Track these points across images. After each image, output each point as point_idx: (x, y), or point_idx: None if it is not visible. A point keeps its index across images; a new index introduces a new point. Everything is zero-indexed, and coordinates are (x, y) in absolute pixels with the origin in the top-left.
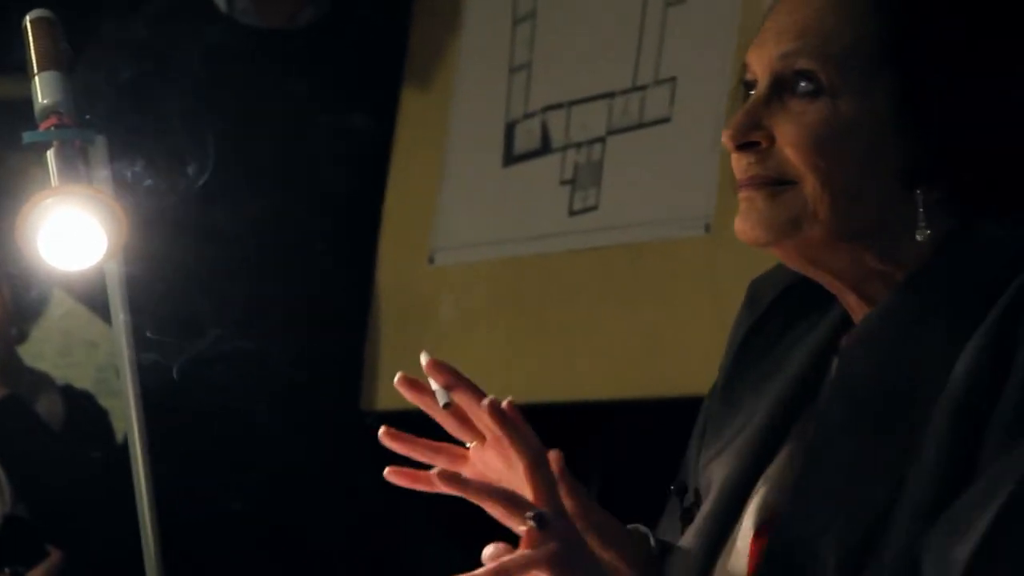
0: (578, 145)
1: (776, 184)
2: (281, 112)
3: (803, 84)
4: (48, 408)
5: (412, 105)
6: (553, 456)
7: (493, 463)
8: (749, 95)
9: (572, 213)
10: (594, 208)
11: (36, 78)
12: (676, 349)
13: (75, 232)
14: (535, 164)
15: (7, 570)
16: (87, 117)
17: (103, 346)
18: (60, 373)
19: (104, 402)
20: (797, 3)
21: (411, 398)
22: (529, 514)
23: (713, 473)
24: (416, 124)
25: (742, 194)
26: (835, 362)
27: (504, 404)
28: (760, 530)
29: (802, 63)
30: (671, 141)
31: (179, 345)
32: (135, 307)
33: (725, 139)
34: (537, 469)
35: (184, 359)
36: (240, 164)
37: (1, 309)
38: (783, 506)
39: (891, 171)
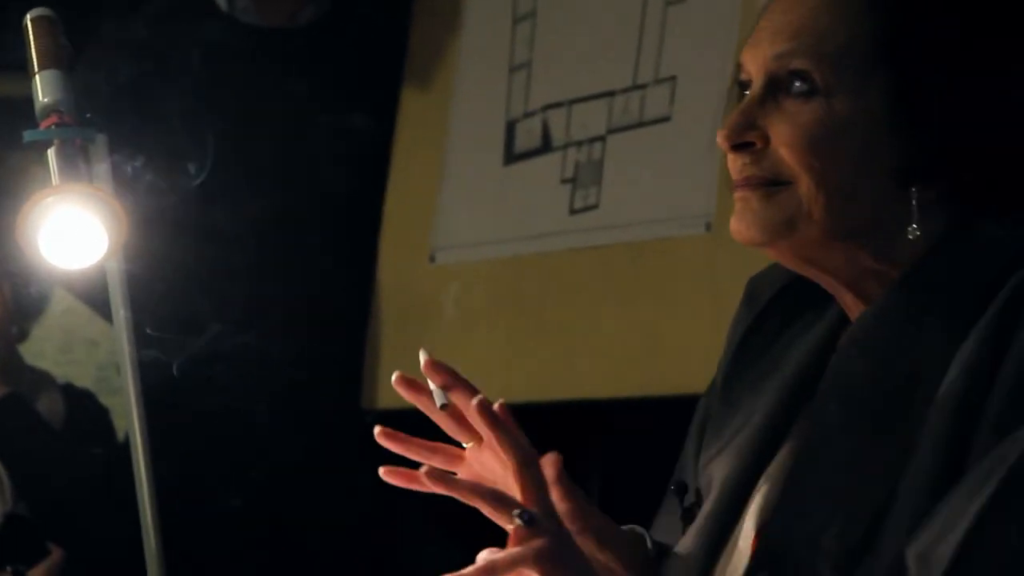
0: (578, 144)
1: (771, 184)
2: (281, 111)
3: (798, 84)
4: (49, 406)
5: (412, 104)
6: (551, 459)
7: (489, 463)
8: (744, 95)
9: (573, 212)
10: (594, 207)
11: (37, 77)
12: (676, 348)
13: (76, 231)
14: (535, 163)
15: (8, 569)
16: (88, 116)
17: (104, 344)
18: (61, 371)
19: (105, 400)
20: (791, 3)
21: (408, 397)
22: (516, 512)
23: (713, 472)
24: (416, 123)
25: (737, 194)
26: (831, 362)
27: (495, 406)
28: (761, 530)
29: (797, 63)
30: (671, 140)
31: (180, 344)
32: (136, 305)
33: (720, 139)
34: (525, 470)
35: (185, 358)
36: (241, 163)
37: (2, 307)
38: (778, 505)
39: (886, 170)
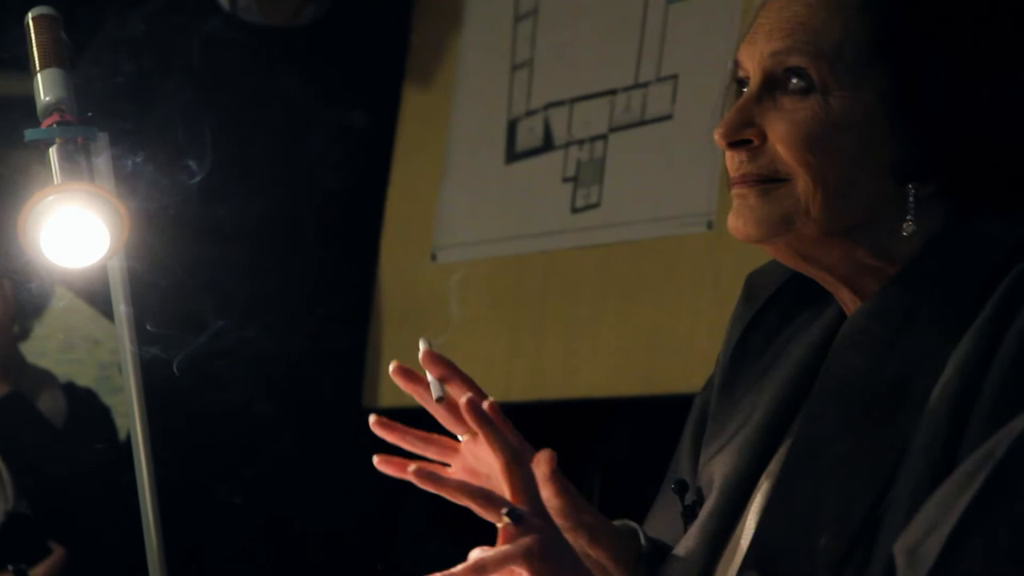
0: (580, 142)
1: (768, 181)
2: (283, 109)
3: (794, 81)
4: (50, 405)
5: (414, 102)
6: (545, 455)
7: (484, 457)
8: (742, 92)
9: (574, 210)
10: (596, 205)
11: (38, 75)
12: (678, 347)
13: (77, 229)
14: (537, 161)
15: (10, 567)
16: (89, 114)
17: (105, 343)
18: (62, 370)
19: (106, 399)
20: (788, 0)
21: (405, 388)
22: (505, 511)
23: (714, 471)
24: (418, 121)
25: (735, 191)
26: (827, 358)
27: (485, 405)
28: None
29: (793, 60)
30: (673, 138)
31: (182, 342)
32: (137, 304)
33: (717, 137)
34: (514, 468)
35: (187, 356)
36: (242, 161)
37: (3, 306)
38: (773, 503)
39: (883, 167)
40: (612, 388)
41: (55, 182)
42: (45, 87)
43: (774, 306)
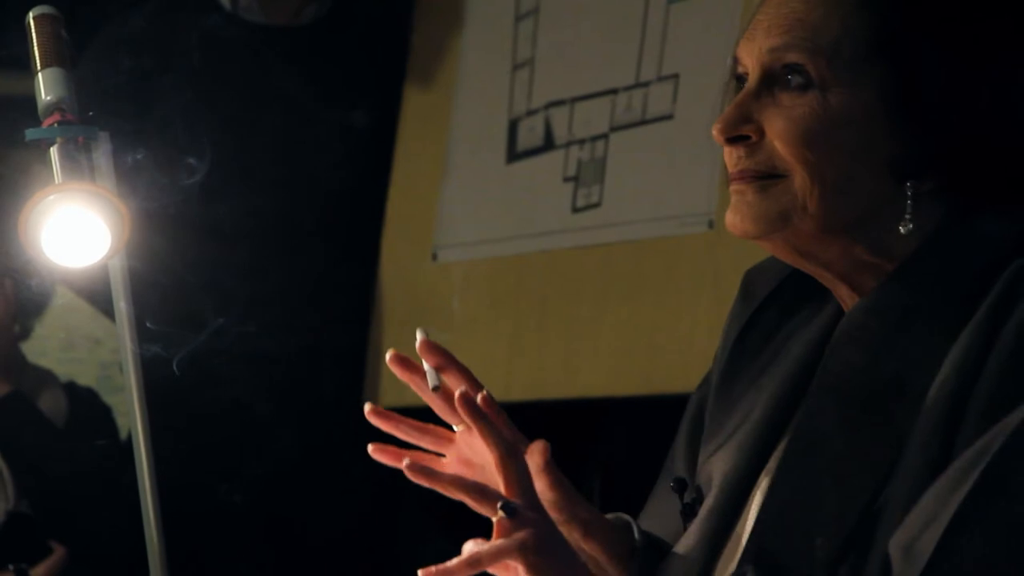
0: (581, 142)
1: (766, 177)
2: (284, 109)
3: (793, 78)
4: (51, 404)
5: (415, 102)
6: (539, 447)
7: (478, 448)
8: (742, 88)
9: (575, 210)
10: (597, 205)
11: (39, 74)
12: (678, 346)
13: (78, 228)
14: (538, 161)
15: (11, 567)
16: (90, 113)
17: (106, 343)
18: (63, 370)
19: (107, 398)
20: None
21: (401, 376)
22: (499, 505)
23: (714, 469)
24: (419, 121)
25: (733, 187)
26: (825, 355)
27: (479, 398)
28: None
29: (791, 57)
30: (674, 138)
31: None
32: (138, 303)
33: (715, 133)
34: (508, 461)
35: (188, 355)
36: (243, 161)
37: (4, 305)
38: (770, 500)
39: (881, 164)
40: (612, 388)
41: (56, 181)
42: (46, 86)
43: (773, 303)
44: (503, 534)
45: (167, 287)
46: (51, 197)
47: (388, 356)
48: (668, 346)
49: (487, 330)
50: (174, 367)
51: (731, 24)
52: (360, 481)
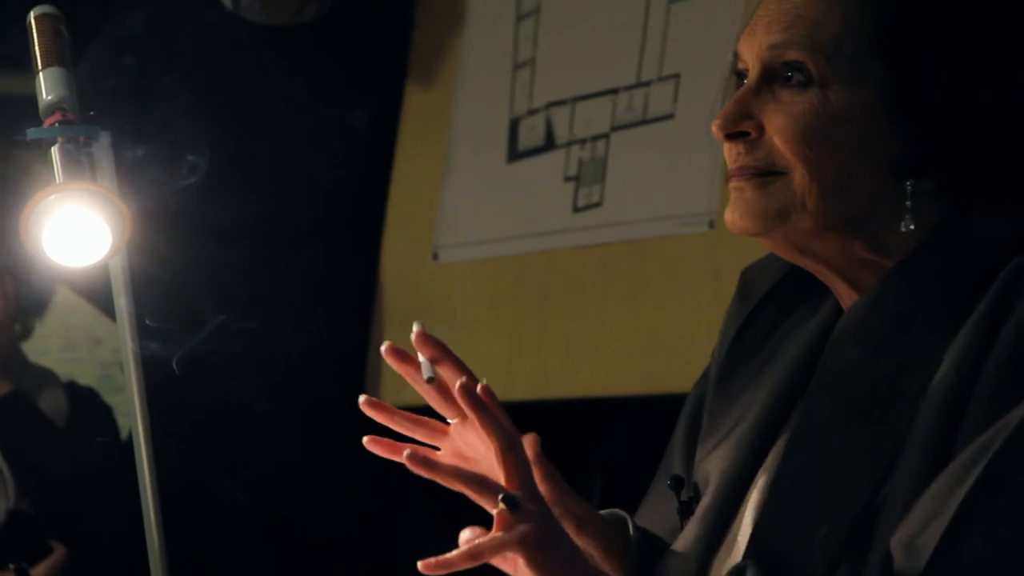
0: (582, 141)
1: (766, 174)
2: (285, 108)
3: (793, 75)
4: (52, 404)
5: (416, 101)
6: (529, 440)
7: (473, 441)
8: (742, 83)
9: (576, 210)
10: (598, 204)
11: (40, 74)
12: (679, 346)
13: (79, 228)
14: (539, 160)
15: (12, 566)
16: (91, 113)
17: (107, 342)
18: (64, 369)
19: (108, 398)
20: None
21: (396, 367)
22: (500, 497)
23: (711, 466)
24: (420, 120)
25: (732, 184)
26: (824, 352)
27: (478, 388)
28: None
29: (791, 54)
30: (675, 137)
31: (183, 341)
32: (139, 303)
33: (715, 129)
34: (509, 453)
35: (188, 354)
36: (244, 160)
37: (5, 305)
38: (771, 498)
39: (881, 162)
40: (613, 387)
41: (57, 181)
42: (47, 86)
43: (771, 302)
44: (504, 527)
45: (168, 287)
46: (52, 197)
47: (383, 348)
48: (669, 346)
49: (487, 329)
50: (175, 366)
51: (732, 24)
52: (360, 481)
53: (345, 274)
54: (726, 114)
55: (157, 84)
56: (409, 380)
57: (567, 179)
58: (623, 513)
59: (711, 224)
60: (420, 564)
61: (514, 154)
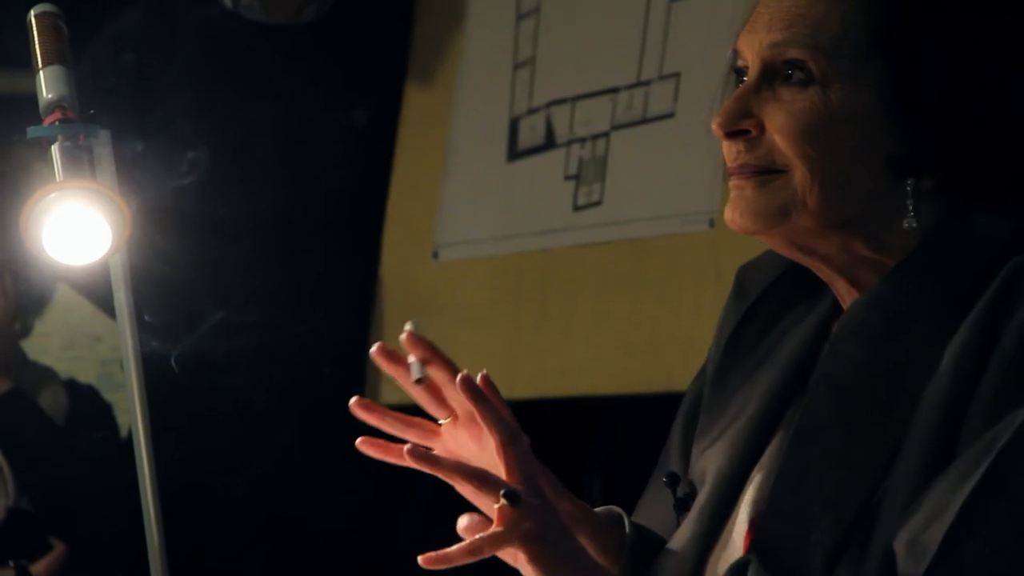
0: (582, 140)
1: (766, 172)
2: (285, 107)
3: (793, 73)
4: (51, 402)
5: (416, 100)
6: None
7: (465, 441)
8: (742, 81)
9: (576, 208)
10: (598, 203)
11: (40, 72)
12: (680, 345)
13: (79, 226)
14: (539, 159)
15: (11, 563)
16: (91, 111)
17: (107, 340)
18: (63, 367)
19: (108, 396)
20: None
21: (386, 368)
22: (502, 492)
23: (707, 464)
24: (420, 119)
25: (732, 182)
26: (825, 350)
27: (478, 380)
28: (754, 523)
29: (792, 53)
30: (675, 136)
31: (183, 339)
32: (139, 300)
33: (715, 127)
34: (510, 447)
35: (188, 353)
36: (244, 159)
37: (4, 303)
38: (770, 496)
39: (881, 160)
40: (613, 386)
41: (57, 179)
42: (47, 84)
43: (769, 299)
44: (505, 522)
45: (168, 284)
46: (52, 195)
47: (373, 350)
48: (669, 344)
49: (487, 328)
50: (173, 363)
51: (733, 23)
52: (360, 480)
53: (345, 272)
54: (726, 112)
55: (157, 82)
56: (400, 381)
57: (567, 178)
58: (619, 510)
59: (711, 223)
60: (420, 559)
61: (514, 153)
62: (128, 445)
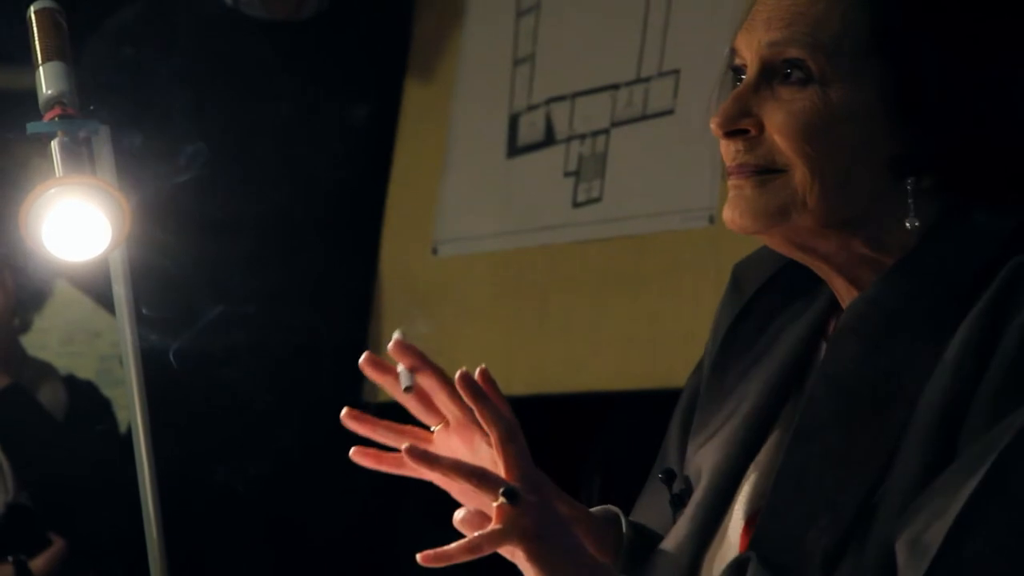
0: (582, 137)
1: (765, 172)
2: (285, 103)
3: (792, 72)
4: (51, 397)
5: (416, 97)
6: None
7: (457, 447)
8: (739, 80)
9: (576, 205)
10: (598, 200)
11: (40, 68)
12: (679, 341)
13: (79, 222)
14: (539, 156)
15: (10, 558)
16: (91, 108)
17: (106, 336)
18: (63, 363)
19: (107, 392)
20: None
21: (376, 379)
22: (501, 490)
23: (703, 460)
24: (419, 115)
25: (731, 182)
26: (823, 348)
27: (476, 374)
28: (750, 520)
29: (791, 52)
30: (675, 133)
31: (182, 335)
32: (138, 297)
33: (713, 126)
34: (509, 444)
35: (187, 349)
36: (244, 155)
37: (4, 299)
38: (769, 495)
39: (881, 160)
40: (613, 383)
41: (57, 175)
42: (47, 80)
43: (765, 296)
44: (504, 519)
45: (167, 281)
46: (52, 190)
47: (361, 360)
48: (669, 341)
49: (487, 324)
50: (173, 361)
51: (732, 20)
52: (360, 480)
53: (345, 269)
54: (725, 112)
55: (157, 78)
56: (388, 390)
57: (567, 174)
58: (616, 509)
59: (711, 219)
60: (419, 556)
61: (514, 149)
62: (127, 441)
